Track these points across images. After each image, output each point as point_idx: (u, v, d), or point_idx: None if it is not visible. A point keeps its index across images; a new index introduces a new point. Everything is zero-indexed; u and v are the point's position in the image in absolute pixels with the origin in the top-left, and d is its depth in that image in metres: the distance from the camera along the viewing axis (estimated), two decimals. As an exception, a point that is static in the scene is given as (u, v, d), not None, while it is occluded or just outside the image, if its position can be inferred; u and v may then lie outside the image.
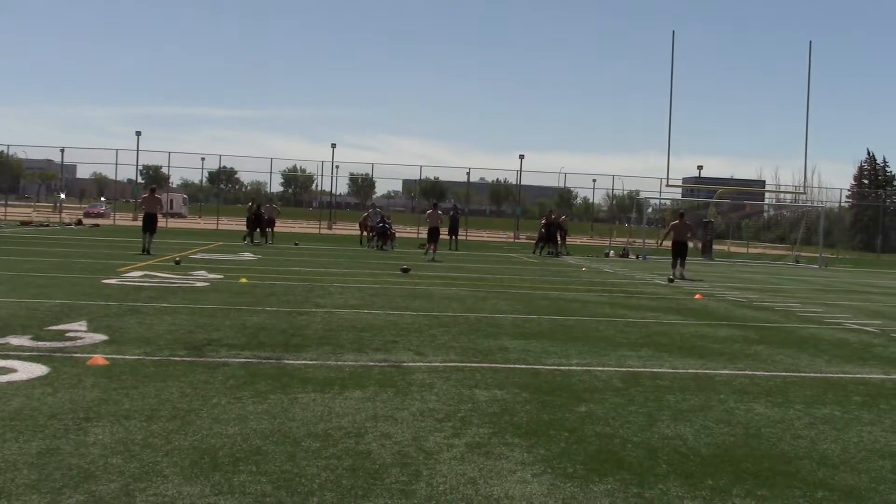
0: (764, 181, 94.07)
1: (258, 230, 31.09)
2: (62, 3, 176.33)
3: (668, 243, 24.02)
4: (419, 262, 23.52)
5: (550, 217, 34.48)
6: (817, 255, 39.43)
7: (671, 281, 21.12)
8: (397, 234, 34.90)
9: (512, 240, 52.72)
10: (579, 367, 8.11)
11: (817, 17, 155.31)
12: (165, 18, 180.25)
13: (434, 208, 29.55)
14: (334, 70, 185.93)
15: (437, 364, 7.85)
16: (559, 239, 34.34)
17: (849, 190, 79.67)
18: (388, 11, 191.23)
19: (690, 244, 24.60)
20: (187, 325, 9.48)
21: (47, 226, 39.25)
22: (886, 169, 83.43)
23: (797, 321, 13.36)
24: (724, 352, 9.62)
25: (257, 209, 31.42)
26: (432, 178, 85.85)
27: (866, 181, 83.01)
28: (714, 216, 45.02)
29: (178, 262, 18.81)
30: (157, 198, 24.53)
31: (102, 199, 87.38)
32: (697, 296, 17.11)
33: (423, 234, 44.82)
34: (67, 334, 8.47)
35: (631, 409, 6.39)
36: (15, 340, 7.96)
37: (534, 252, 33.54)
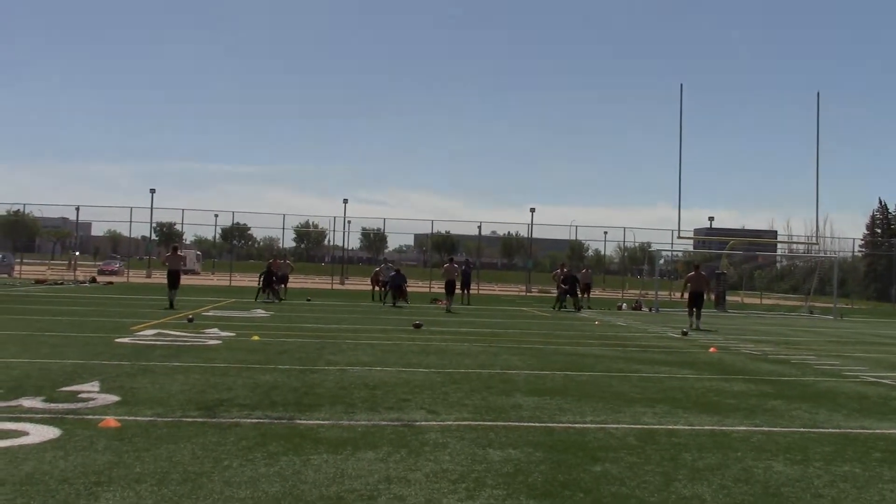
0: (776, 231, 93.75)
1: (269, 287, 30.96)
2: (79, 65, 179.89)
3: (685, 294, 25.01)
4: (431, 318, 23.46)
5: (563, 270, 34.48)
6: (832, 305, 39.17)
7: (685, 334, 20.99)
8: (409, 289, 34.79)
9: (524, 293, 52.62)
10: (594, 425, 8.02)
11: (825, 67, 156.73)
12: (177, 76, 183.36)
13: (450, 262, 30.89)
14: (345, 125, 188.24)
15: (451, 423, 7.79)
16: (581, 293, 34.47)
17: (861, 239, 79.43)
18: (398, 66, 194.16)
19: (705, 295, 25.53)
20: (199, 385, 9.46)
21: (61, 284, 39.46)
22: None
23: (814, 374, 13.22)
24: (740, 407, 9.51)
25: (269, 266, 31.42)
26: (444, 231, 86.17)
27: (879, 230, 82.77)
28: (727, 267, 44.89)
29: (190, 320, 18.84)
30: (180, 255, 26.50)
31: (116, 256, 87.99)
32: (712, 349, 16.98)
33: (436, 288, 44.86)
34: (80, 395, 8.45)
35: (647, 469, 6.30)
36: (27, 402, 7.95)
37: (554, 307, 32.98)
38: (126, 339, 14.33)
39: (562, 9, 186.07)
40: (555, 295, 35.72)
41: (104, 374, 10.06)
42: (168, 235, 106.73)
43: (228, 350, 13.34)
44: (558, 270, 36.29)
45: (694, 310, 24.07)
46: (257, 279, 31.62)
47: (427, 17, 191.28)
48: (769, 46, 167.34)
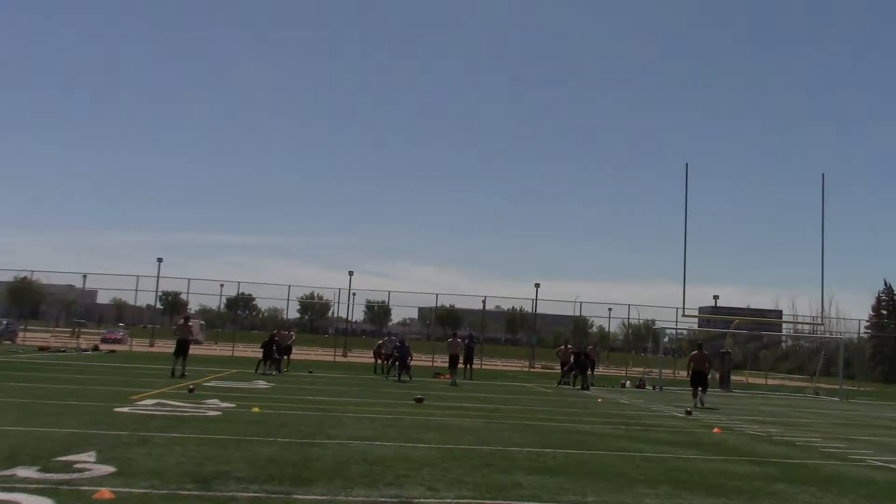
0: (781, 311, 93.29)
1: (269, 359, 30.60)
2: (87, 132, 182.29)
3: (689, 373, 25.38)
4: (434, 392, 23.29)
5: (567, 347, 34.26)
6: (837, 386, 38.82)
7: (689, 413, 20.78)
8: (412, 363, 34.53)
9: (527, 369, 52.30)
10: (595, 506, 7.90)
11: (830, 148, 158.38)
12: (186, 145, 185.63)
13: (454, 337, 31.41)
14: (350, 198, 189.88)
15: (450, 500, 7.68)
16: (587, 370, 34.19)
17: (867, 320, 79.10)
18: (405, 140, 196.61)
19: (709, 375, 25.74)
20: (197, 457, 9.36)
21: (64, 351, 39.34)
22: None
23: (820, 457, 13.05)
24: (744, 490, 9.37)
25: (270, 336, 31.15)
26: (448, 305, 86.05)
27: (885, 311, 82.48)
28: (731, 346, 44.63)
29: (191, 391, 18.73)
30: (190, 326, 27.35)
31: (120, 324, 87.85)
32: (716, 429, 16.79)
33: (439, 362, 44.63)
34: (75, 465, 8.37)
35: (648, 552, 6.19)
36: (22, 472, 7.87)
37: (559, 384, 32.53)
38: (125, 409, 14.24)
39: (568, 84, 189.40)
40: (558, 371, 35.43)
41: (101, 444, 9.98)
42: (173, 304, 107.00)
43: (228, 421, 13.24)
44: (562, 347, 36.12)
45: (698, 389, 24.27)
46: (260, 350, 31.43)
47: (435, 90, 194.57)
48: (776, 126, 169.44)
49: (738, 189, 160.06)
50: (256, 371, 29.49)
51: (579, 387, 31.31)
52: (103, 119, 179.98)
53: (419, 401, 19.19)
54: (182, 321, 27.37)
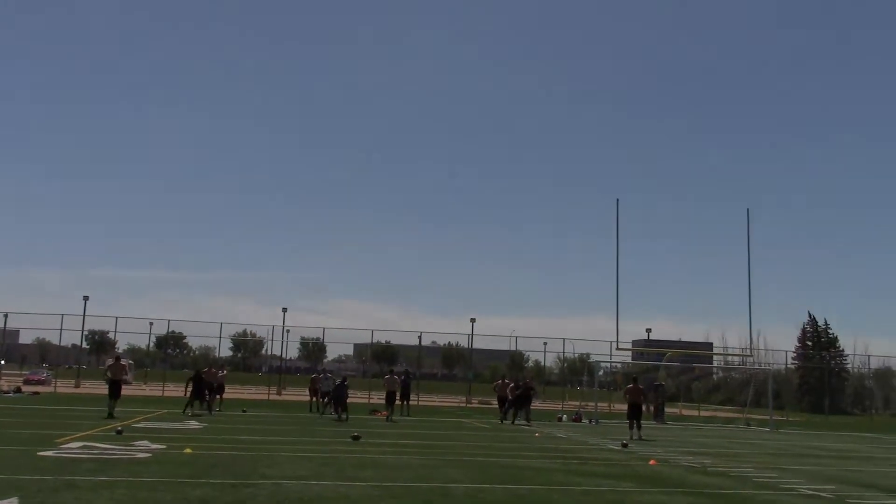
0: (711, 343, 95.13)
1: (199, 398, 29.49)
2: (7, 167, 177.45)
3: (623, 406, 25.33)
4: (370, 429, 23.04)
5: (504, 381, 34.29)
6: (767, 417, 39.58)
7: (625, 446, 20.94)
8: (348, 400, 34.07)
9: (464, 404, 52.18)
10: (535, 540, 7.86)
11: (754, 183, 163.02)
12: (109, 179, 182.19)
13: (391, 374, 31.98)
14: (282, 234, 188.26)
15: (388, 539, 7.56)
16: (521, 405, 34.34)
17: (794, 352, 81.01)
18: (336, 175, 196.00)
19: (643, 407, 26.26)
20: (126, 501, 9.06)
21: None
22: (829, 331, 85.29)
23: (753, 487, 13.24)
24: (681, 521, 9.43)
25: (197, 374, 30.05)
26: (384, 341, 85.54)
27: (810, 343, 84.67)
28: (664, 379, 45.28)
29: (119, 432, 18.18)
30: (122, 365, 27.36)
31: (45, 365, 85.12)
32: (652, 461, 16.94)
33: (375, 399, 44.22)
34: (-3, 512, 8.03)
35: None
36: (-60, 520, 7.52)
37: (503, 420, 32.14)
38: (50, 452, 13.73)
39: (500, 122, 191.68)
40: (496, 406, 35.38)
41: (24, 489, 9.59)
42: (100, 344, 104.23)
43: (158, 463, 12.87)
44: (499, 381, 36.11)
45: (634, 422, 24.89)
46: (184, 388, 30.47)
47: (358, 133, 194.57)
48: (703, 159, 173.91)
49: (667, 224, 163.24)
50: (184, 412, 28.42)
51: (521, 421, 31.20)
52: (27, 147, 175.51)
53: (356, 438, 18.96)
54: (113, 361, 27.28)
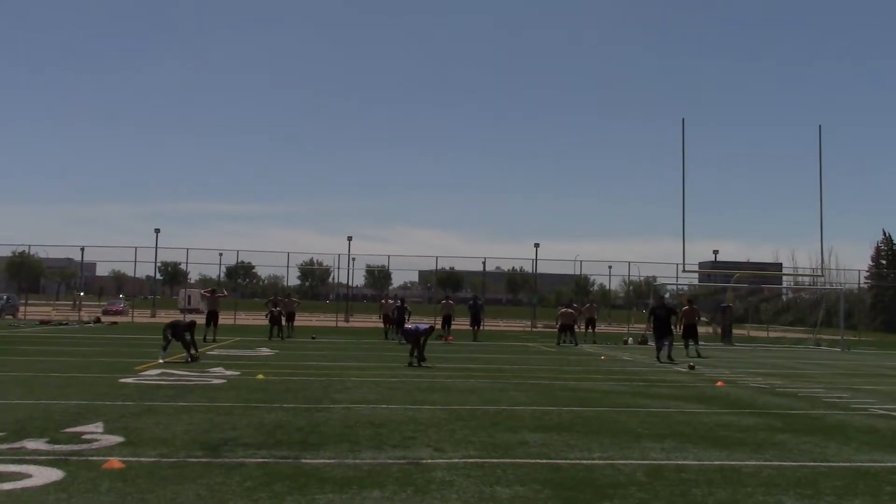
0: (781, 264, 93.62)
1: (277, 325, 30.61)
2: (82, 107, 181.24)
3: (680, 327, 26.10)
4: (436, 354, 23.32)
5: (570, 310, 34.31)
6: (838, 337, 38.97)
7: (692, 368, 20.79)
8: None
9: (529, 329, 52.49)
10: (602, 461, 7.95)
11: (827, 99, 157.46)
12: (179, 116, 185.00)
13: (447, 300, 33.21)
14: (346, 163, 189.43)
15: (457, 460, 7.72)
16: (588, 328, 34.80)
17: (867, 271, 79.20)
18: (400, 105, 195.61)
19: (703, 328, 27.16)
20: (204, 425, 9.40)
21: (66, 324, 39.41)
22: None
23: (822, 407, 13.12)
24: (748, 441, 9.42)
25: (274, 304, 31.15)
26: (448, 268, 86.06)
27: (884, 261, 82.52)
28: (732, 300, 44.69)
29: (195, 359, 18.76)
30: (219, 296, 30.28)
31: (121, 296, 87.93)
32: (719, 383, 16.87)
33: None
34: (84, 436, 8.41)
35: (656, 505, 6.23)
36: (31, 444, 7.91)
37: (559, 343, 32.56)
38: (130, 380, 14.28)
39: (562, 43, 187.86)
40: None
41: (108, 414, 10.02)
42: (173, 275, 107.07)
43: (233, 389, 13.29)
44: (564, 309, 36.15)
45: (689, 341, 26.30)
46: (267, 317, 31.61)
47: (428, 56, 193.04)
48: (771, 78, 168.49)
49: (735, 143, 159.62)
50: (270, 338, 29.46)
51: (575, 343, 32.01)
52: (99, 93, 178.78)
53: (418, 359, 19.13)
54: (209, 294, 30.15)
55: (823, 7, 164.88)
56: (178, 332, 18.39)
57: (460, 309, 40.62)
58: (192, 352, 18.53)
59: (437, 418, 10.48)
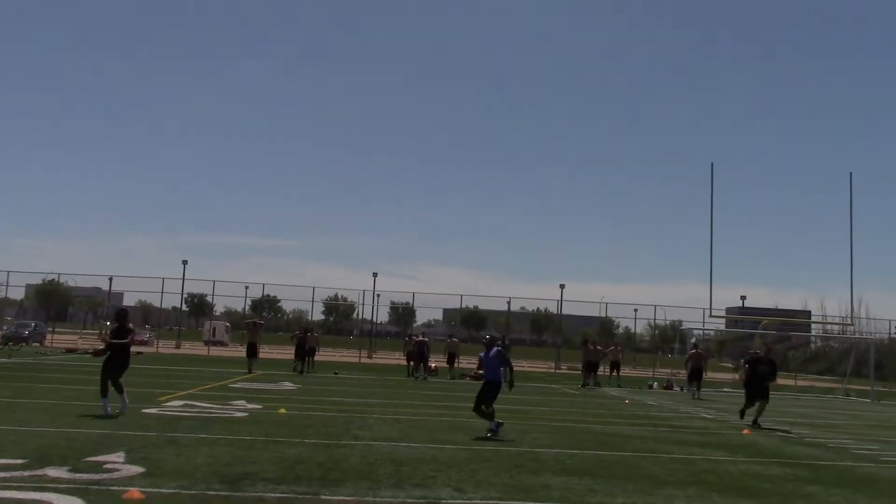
0: (809, 312, 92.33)
1: (301, 359, 30.75)
2: (113, 139, 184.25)
3: (715, 374, 25.88)
4: (458, 392, 23.17)
5: (593, 346, 34.01)
6: (868, 388, 38.27)
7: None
8: (438, 364, 34.43)
9: (553, 370, 52.07)
10: (625, 507, 7.81)
11: (858, 146, 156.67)
12: (211, 150, 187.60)
13: (450, 337, 36.70)
14: (373, 200, 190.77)
15: (478, 501, 7.63)
16: (613, 371, 34.57)
17: (898, 321, 77.94)
18: (429, 144, 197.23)
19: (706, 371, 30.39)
20: (225, 458, 9.38)
21: (91, 353, 39.62)
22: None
23: (852, 459, 12.85)
24: (776, 492, 9.23)
25: (303, 336, 31.22)
26: (472, 306, 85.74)
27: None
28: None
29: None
30: (259, 326, 31.64)
31: (147, 326, 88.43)
32: (746, 431, 16.60)
33: (465, 363, 44.52)
34: (105, 466, 8.41)
35: (680, 554, 6.10)
36: (52, 472, 7.92)
37: (583, 385, 32.29)
38: (153, 410, 14.31)
39: (592, 87, 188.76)
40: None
41: (130, 444, 10.02)
42: (199, 306, 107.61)
43: (255, 423, 13.26)
44: (588, 346, 35.82)
45: (694, 383, 28.63)
46: (293, 351, 31.77)
47: (455, 97, 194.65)
48: (802, 125, 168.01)
49: (765, 189, 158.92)
50: (294, 371, 29.72)
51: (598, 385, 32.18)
52: (128, 124, 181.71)
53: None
54: (252, 325, 31.29)
55: (852, 54, 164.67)
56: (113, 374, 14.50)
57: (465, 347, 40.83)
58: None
59: (458, 458, 10.38)
